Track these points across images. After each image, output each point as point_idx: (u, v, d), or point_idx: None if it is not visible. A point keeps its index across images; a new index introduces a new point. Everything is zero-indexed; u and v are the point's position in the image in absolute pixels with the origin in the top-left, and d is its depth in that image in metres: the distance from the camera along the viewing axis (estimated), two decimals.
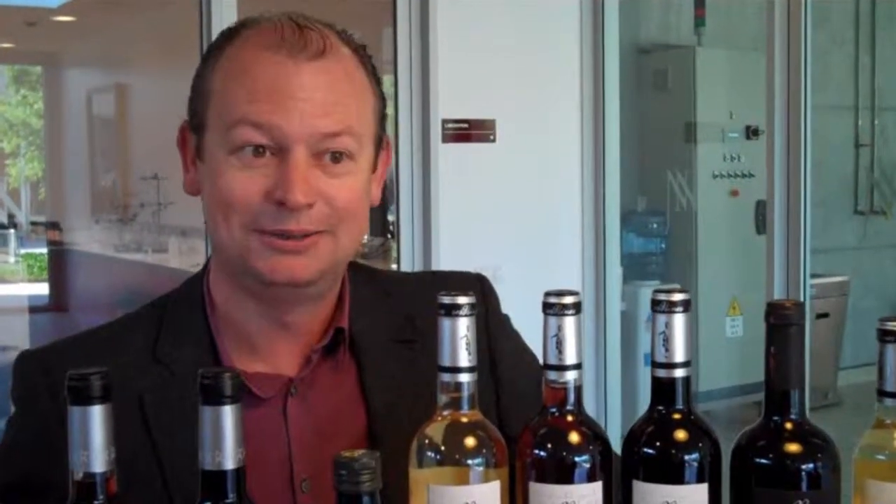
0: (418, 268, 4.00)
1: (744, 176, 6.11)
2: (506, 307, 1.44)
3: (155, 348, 1.24)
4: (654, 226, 6.14)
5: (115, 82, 7.73)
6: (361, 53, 1.26)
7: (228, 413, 0.92)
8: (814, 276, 4.61)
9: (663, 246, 6.18)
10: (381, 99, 1.28)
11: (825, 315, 6.07)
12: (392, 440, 1.16)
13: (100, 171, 8.12)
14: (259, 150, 1.18)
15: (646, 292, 5.49)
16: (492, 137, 4.17)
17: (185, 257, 6.39)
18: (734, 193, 6.14)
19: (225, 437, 0.92)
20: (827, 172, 6.35)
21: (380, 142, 1.29)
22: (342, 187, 1.21)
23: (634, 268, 5.70)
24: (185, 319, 1.27)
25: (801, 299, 4.00)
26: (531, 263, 4.12)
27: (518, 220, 4.22)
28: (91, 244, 7.89)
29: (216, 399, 0.91)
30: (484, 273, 1.43)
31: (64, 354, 1.27)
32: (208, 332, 1.26)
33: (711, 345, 5.85)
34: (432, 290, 1.08)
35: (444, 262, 3.95)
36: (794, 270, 4.08)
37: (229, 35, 1.24)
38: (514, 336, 1.43)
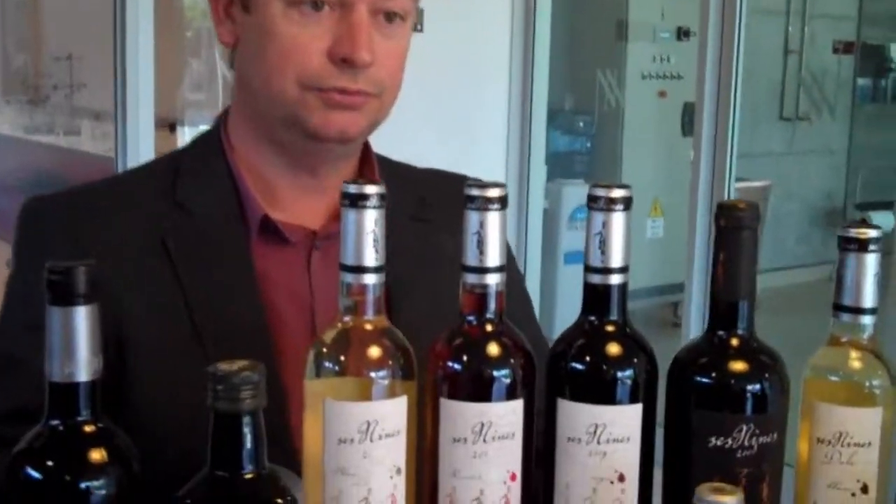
0: None
1: (672, 77, 6.03)
2: None
3: (174, 193, 1.21)
4: (581, 124, 6.04)
5: None
6: None
7: (82, 316, 0.77)
8: (736, 179, 4.57)
9: (589, 145, 6.09)
10: None
11: None
12: (409, 311, 1.14)
13: (11, 51, 7.75)
14: (318, 3, 1.15)
15: (569, 190, 5.41)
16: (419, 27, 3.99)
17: (98, 141, 6.15)
18: (662, 94, 6.05)
19: (77, 344, 0.77)
20: (754, 78, 6.28)
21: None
22: (395, 48, 1.20)
23: (558, 166, 5.59)
24: (205, 165, 1.25)
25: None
26: (454, 158, 3.96)
27: (443, 113, 4.11)
28: (1, 125, 7.57)
29: (67, 298, 0.76)
30: None
31: (84, 198, 1.25)
32: (230, 176, 1.23)
33: (631, 245, 5.79)
34: (438, 179, 1.24)
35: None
36: (719, 174, 4.02)
37: None
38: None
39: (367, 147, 1.30)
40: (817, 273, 6.90)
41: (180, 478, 0.80)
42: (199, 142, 1.30)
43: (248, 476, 0.79)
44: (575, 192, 5.47)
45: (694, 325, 3.88)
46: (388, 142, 1.32)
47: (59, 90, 6.87)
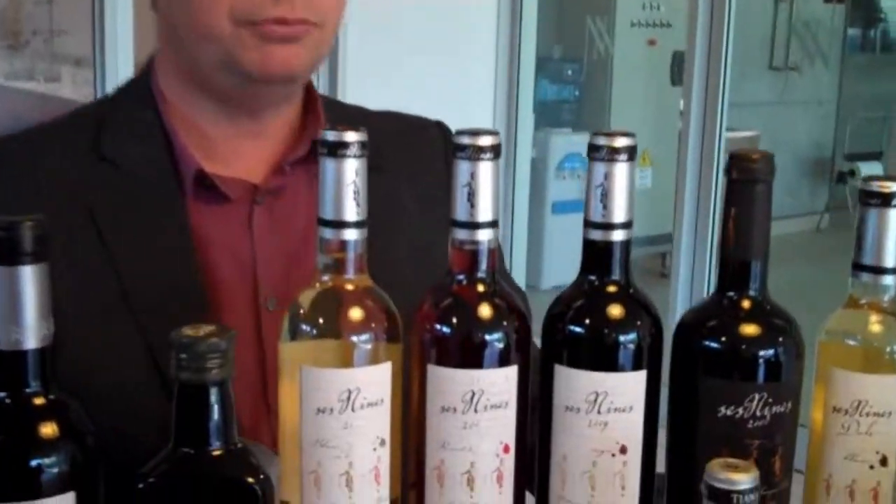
0: None
1: (662, 25, 5.95)
2: None
3: (99, 147, 1.10)
4: (569, 73, 5.95)
5: None
6: None
7: (29, 276, 0.69)
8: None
9: (577, 93, 6.01)
10: None
11: None
12: None
13: None
14: None
15: (557, 139, 5.35)
16: None
17: (78, 87, 6.05)
18: (651, 43, 5.97)
19: (24, 308, 0.70)
20: (744, 27, 6.18)
21: None
22: None
23: (546, 114, 5.52)
24: (133, 116, 1.13)
25: (716, 153, 3.87)
26: (441, 107, 3.89)
27: (429, 62, 4.02)
28: None
29: (11, 256, 0.68)
30: None
31: (4, 146, 1.12)
32: (161, 127, 1.11)
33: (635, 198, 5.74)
34: (396, 125, 1.13)
35: (351, 101, 3.72)
36: (710, 124, 3.95)
37: None
38: None
39: (310, 88, 1.19)
40: (805, 224, 6.86)
41: (130, 453, 0.73)
42: (125, 91, 1.17)
43: (216, 452, 0.72)
44: (563, 141, 5.40)
45: (682, 276, 3.83)
46: (373, 90, 1.24)
47: (38, 36, 6.74)
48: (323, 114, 1.17)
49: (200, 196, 1.09)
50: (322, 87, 3.90)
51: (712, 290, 0.85)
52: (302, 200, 1.13)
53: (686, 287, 3.86)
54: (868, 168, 6.71)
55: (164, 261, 1.06)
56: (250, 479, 0.71)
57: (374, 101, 1.28)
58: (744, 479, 0.74)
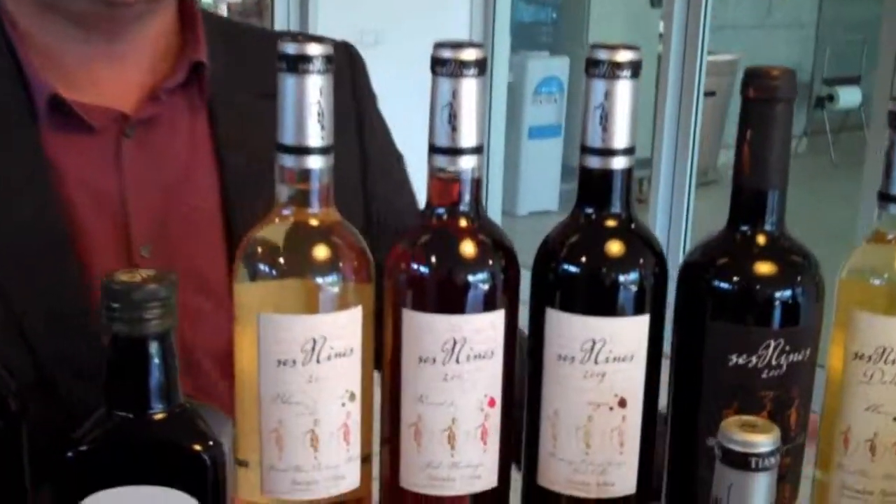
0: (294, 28, 3.65)
1: None
2: (386, 79, 1.16)
3: None
4: None
5: None
6: None
7: None
8: None
9: (554, 16, 5.85)
10: None
11: (712, 94, 5.92)
12: (248, 214, 0.88)
13: None
14: None
15: (534, 63, 5.21)
16: None
17: None
18: None
19: None
20: None
21: None
22: None
23: (522, 37, 5.36)
24: None
25: (697, 77, 3.76)
26: (414, 29, 3.78)
27: None
28: None
29: None
30: (366, 38, 1.13)
31: None
32: (10, 53, 0.95)
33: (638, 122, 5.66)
34: None
35: (323, 23, 3.67)
36: (690, 47, 3.84)
37: None
38: (385, 127, 1.13)
39: (188, 3, 1.03)
40: None
41: None
42: None
43: (158, 416, 0.62)
44: (540, 65, 5.26)
45: (661, 203, 3.74)
46: (345, 12, 1.12)
47: None
48: (204, 34, 1.01)
49: (58, 125, 0.94)
50: (293, 7, 3.76)
51: (691, 217, 0.76)
52: (181, 131, 1.00)
53: (665, 215, 3.78)
54: (846, 93, 6.62)
55: (14, 199, 0.91)
56: (197, 447, 0.61)
57: (347, 25, 1.17)
58: (763, 441, 0.65)
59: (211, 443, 0.62)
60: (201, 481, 0.61)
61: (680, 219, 3.74)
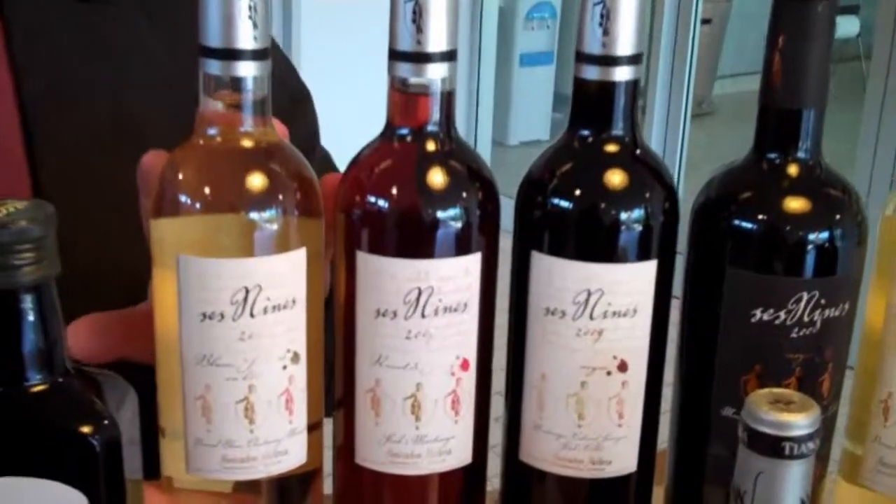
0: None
1: None
2: None
3: None
4: None
5: None
6: None
7: None
8: None
9: None
10: None
11: (707, 21, 5.76)
12: (61, 155, 0.74)
13: None
14: None
15: None
16: None
17: None
18: None
19: None
20: None
21: None
22: None
23: None
24: None
25: (694, 1, 3.60)
26: None
27: None
28: None
29: None
30: None
31: None
32: None
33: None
34: None
35: None
36: None
37: None
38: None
39: None
40: None
41: None
42: None
43: (36, 389, 0.49)
44: None
45: (655, 134, 3.60)
46: None
47: None
48: None
49: None
50: None
51: (685, 151, 0.63)
52: None
53: (658, 147, 3.64)
54: (845, 23, 6.43)
55: None
56: (85, 428, 0.48)
57: None
58: (800, 421, 0.52)
59: (104, 422, 0.49)
60: (89, 470, 0.48)
61: (674, 153, 3.60)
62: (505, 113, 4.81)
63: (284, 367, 0.61)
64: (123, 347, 0.65)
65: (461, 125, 4.16)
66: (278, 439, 0.62)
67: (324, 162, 0.83)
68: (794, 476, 0.52)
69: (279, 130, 0.62)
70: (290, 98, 0.86)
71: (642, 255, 0.62)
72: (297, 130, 0.69)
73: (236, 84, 0.59)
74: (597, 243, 0.62)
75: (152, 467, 0.64)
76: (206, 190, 0.60)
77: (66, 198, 0.62)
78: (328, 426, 0.68)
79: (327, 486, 0.69)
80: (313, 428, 0.65)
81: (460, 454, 0.65)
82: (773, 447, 0.52)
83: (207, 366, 0.60)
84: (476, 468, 0.66)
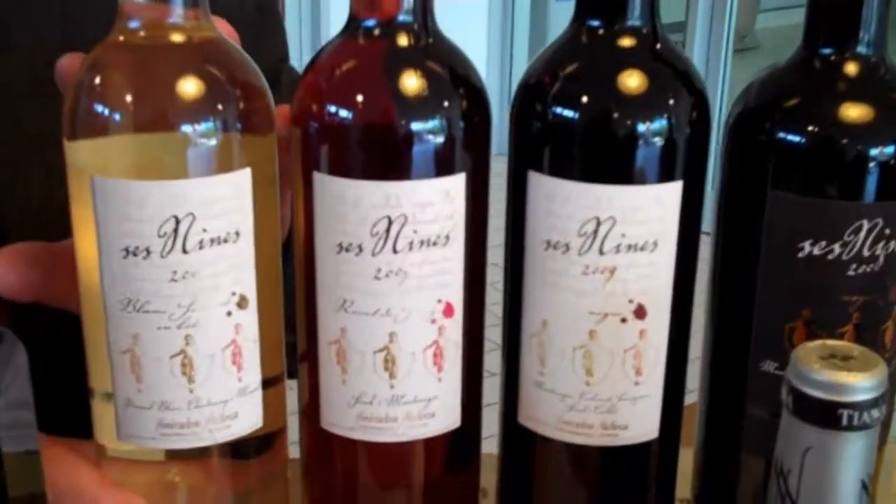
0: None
1: None
2: None
3: None
4: None
5: None
6: None
7: None
8: None
9: None
10: None
11: None
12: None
13: None
14: None
15: None
16: None
17: None
18: None
19: None
20: None
21: None
22: None
23: None
24: None
25: None
26: None
27: None
28: None
29: None
30: None
31: None
32: None
33: None
34: None
35: None
36: None
37: None
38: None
39: None
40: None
41: None
42: None
43: None
44: None
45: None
46: None
47: None
48: None
49: None
50: None
51: (727, 87, 0.51)
52: None
53: (702, 62, 3.51)
54: None
55: None
56: None
57: None
58: (861, 383, 0.41)
59: None
60: None
61: (715, 89, 3.45)
62: (540, 49, 4.68)
63: (229, 314, 0.51)
64: (47, 287, 0.55)
65: (495, 65, 4.02)
66: (225, 400, 0.52)
67: (293, 86, 0.72)
68: (853, 452, 0.41)
69: (226, 34, 0.51)
70: (255, 5, 0.74)
71: (664, 176, 0.50)
72: (262, 46, 0.58)
73: None
74: (608, 161, 0.50)
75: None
76: (127, 98, 0.49)
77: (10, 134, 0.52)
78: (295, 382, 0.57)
79: (294, 452, 0.58)
80: (271, 384, 0.54)
81: (445, 418, 0.54)
82: (827, 416, 0.40)
83: (134, 312, 0.50)
84: (465, 433, 0.55)
